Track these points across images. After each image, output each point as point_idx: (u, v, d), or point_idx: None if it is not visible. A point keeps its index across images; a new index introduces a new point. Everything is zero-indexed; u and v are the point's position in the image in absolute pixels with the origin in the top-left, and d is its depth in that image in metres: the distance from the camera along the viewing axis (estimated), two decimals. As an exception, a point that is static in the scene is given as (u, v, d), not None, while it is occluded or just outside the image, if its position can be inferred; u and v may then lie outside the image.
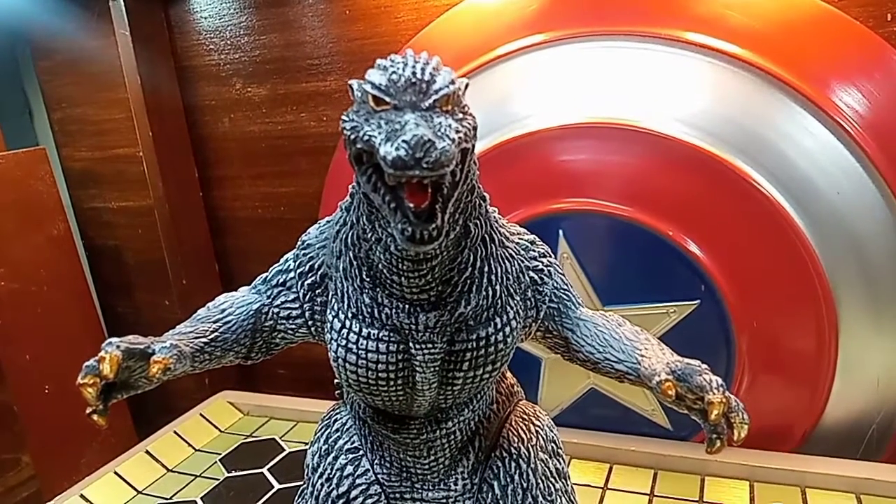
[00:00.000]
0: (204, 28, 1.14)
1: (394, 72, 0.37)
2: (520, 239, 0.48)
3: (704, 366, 0.41)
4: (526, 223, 0.73)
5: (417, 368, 0.44)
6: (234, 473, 0.91)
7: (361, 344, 0.44)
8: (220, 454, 0.97)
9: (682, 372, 0.40)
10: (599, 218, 0.81)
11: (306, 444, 1.00)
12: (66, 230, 1.19)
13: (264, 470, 0.91)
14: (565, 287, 0.49)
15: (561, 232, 0.82)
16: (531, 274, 0.47)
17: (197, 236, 1.23)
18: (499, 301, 0.45)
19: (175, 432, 1.01)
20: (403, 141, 0.33)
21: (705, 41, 0.78)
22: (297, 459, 0.93)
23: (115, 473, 0.91)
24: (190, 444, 1.00)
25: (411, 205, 0.35)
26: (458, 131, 0.35)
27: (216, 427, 1.05)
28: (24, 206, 1.12)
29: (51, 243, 1.16)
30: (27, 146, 1.20)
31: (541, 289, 0.48)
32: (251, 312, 0.49)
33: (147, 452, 0.96)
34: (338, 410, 0.54)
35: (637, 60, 0.81)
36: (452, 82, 0.37)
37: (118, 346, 0.39)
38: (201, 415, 1.06)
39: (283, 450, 0.97)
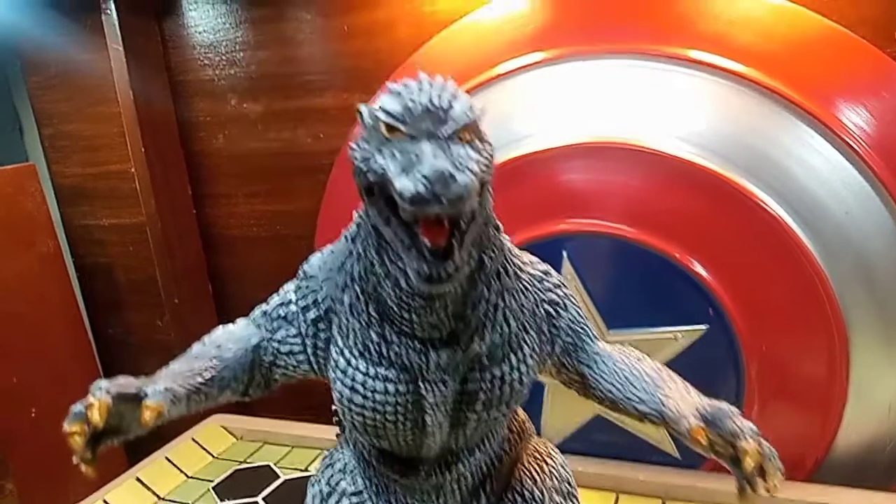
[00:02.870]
0: (199, 43, 1.12)
1: (409, 98, 0.34)
2: (533, 269, 0.46)
3: (734, 408, 0.38)
4: (529, 245, 0.71)
5: (428, 410, 0.41)
6: (227, 502, 0.88)
7: (368, 384, 0.41)
8: (212, 481, 0.94)
9: (711, 416, 0.38)
10: (604, 239, 0.79)
11: (302, 470, 0.98)
12: (56, 248, 1.17)
13: (259, 499, 0.89)
14: (581, 320, 0.47)
15: (565, 253, 0.80)
16: (546, 307, 0.45)
17: (190, 255, 1.20)
18: (514, 337, 0.42)
19: (167, 458, 0.98)
20: (422, 174, 0.31)
21: (710, 59, 0.77)
22: (293, 488, 0.91)
23: (105, 502, 0.88)
24: (182, 471, 0.97)
25: (427, 242, 0.33)
26: (478, 162, 0.33)
27: (209, 452, 1.02)
28: (12, 223, 1.09)
29: (40, 262, 1.13)
30: (17, 162, 1.18)
31: (556, 322, 0.45)
32: (249, 348, 0.46)
33: (137, 479, 0.93)
34: (340, 449, 0.52)
35: (641, 79, 0.79)
36: (472, 109, 0.35)
37: (108, 391, 0.37)
38: (193, 439, 1.03)
39: (278, 477, 0.94)
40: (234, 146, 1.14)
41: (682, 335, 0.78)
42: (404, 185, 0.31)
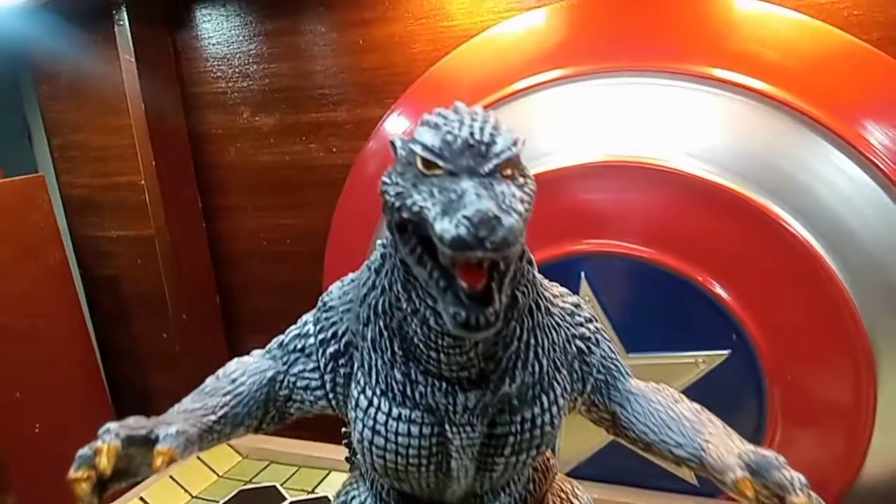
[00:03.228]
0: (212, 55, 1.11)
1: (448, 131, 0.32)
2: (563, 303, 0.44)
3: (780, 457, 0.36)
4: (545, 266, 0.69)
5: (453, 454, 0.39)
6: (232, 524, 0.86)
7: (391, 425, 0.39)
8: (217, 502, 0.91)
9: (757, 466, 0.36)
10: (624, 261, 0.77)
11: (309, 492, 0.96)
12: (63, 260, 1.15)
13: (264, 521, 0.86)
14: (613, 356, 0.45)
15: (583, 274, 0.78)
16: (578, 343, 0.43)
17: (198, 268, 1.18)
18: (545, 377, 0.40)
19: (171, 477, 0.96)
20: (464, 216, 0.28)
21: (733, 78, 0.75)
22: (299, 510, 0.88)
23: (107, 523, 0.85)
24: (186, 491, 0.95)
25: (465, 285, 0.31)
26: (523, 201, 0.31)
27: (214, 471, 1.00)
28: (19, 235, 1.08)
29: (46, 274, 1.11)
30: (26, 171, 1.17)
31: (588, 359, 0.43)
32: (265, 381, 0.44)
33: (141, 500, 0.91)
34: (355, 486, 0.49)
35: (662, 97, 0.78)
36: (515, 144, 0.33)
37: (118, 434, 0.35)
38: (198, 457, 1.01)
39: (285, 499, 0.92)
40: (246, 159, 1.13)
41: (703, 360, 0.76)
42: (445, 227, 0.29)
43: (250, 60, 1.08)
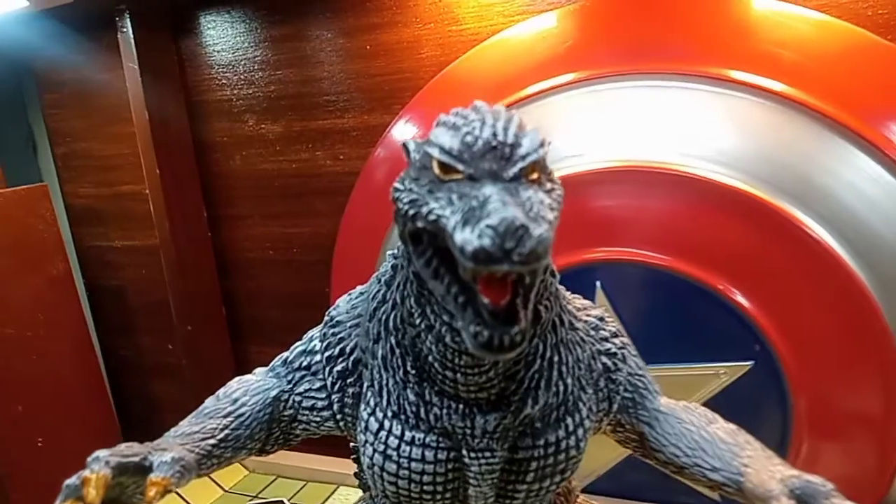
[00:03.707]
0: (217, 62, 1.09)
1: (468, 132, 0.30)
2: (587, 317, 0.41)
3: (829, 484, 0.34)
4: (561, 273, 0.67)
5: (471, 481, 0.37)
6: (238, 542, 0.84)
7: (403, 450, 0.36)
8: (223, 518, 0.89)
9: (803, 493, 0.33)
10: (640, 269, 0.74)
11: (316, 507, 0.94)
12: (67, 270, 1.14)
13: (271, 538, 0.84)
14: (641, 373, 0.42)
15: (598, 283, 0.76)
16: (603, 359, 0.40)
17: (203, 278, 1.16)
18: (570, 397, 0.37)
19: (177, 493, 0.94)
20: (488, 226, 0.25)
21: (753, 80, 0.73)
22: (307, 527, 0.86)
23: (110, 540, 0.83)
24: (191, 506, 0.93)
25: (487, 301, 0.28)
26: (552, 208, 0.29)
27: (220, 486, 0.97)
28: (22, 245, 1.06)
29: (49, 285, 1.10)
30: (30, 181, 1.15)
31: (614, 376, 0.41)
32: (268, 401, 0.41)
33: (145, 516, 0.89)
34: (366, 504, 0.47)
35: (678, 100, 0.76)
36: (542, 145, 0.31)
37: (107, 463, 0.32)
38: (204, 471, 0.99)
39: (292, 514, 0.89)
40: (251, 167, 1.11)
41: (724, 372, 0.74)
42: (466, 238, 0.26)
43: (255, 67, 1.07)
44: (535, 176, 0.30)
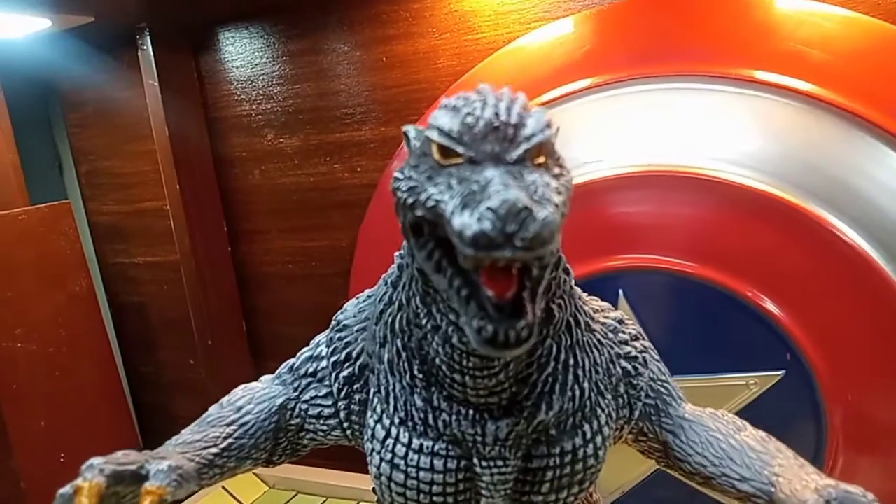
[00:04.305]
0: (235, 78, 1.10)
1: (469, 113, 0.28)
2: (605, 318, 0.39)
3: (870, 494, 0.31)
4: (582, 282, 0.65)
5: (483, 491, 0.35)
6: (257, 560, 0.83)
7: (411, 459, 0.34)
8: (243, 535, 0.88)
9: (840, 503, 0.30)
10: (664, 276, 0.72)
11: (336, 525, 0.93)
12: (89, 287, 1.14)
13: (291, 556, 0.83)
14: (663, 378, 0.40)
15: (621, 291, 0.74)
16: (623, 363, 0.38)
17: (224, 293, 1.16)
18: (587, 403, 0.35)
19: (195, 508, 0.93)
20: (489, 209, 0.24)
21: (779, 80, 0.71)
22: (327, 544, 0.85)
23: (129, 558, 0.82)
24: (211, 523, 0.92)
25: (491, 294, 0.26)
26: (559, 192, 0.27)
27: (240, 502, 0.96)
28: (45, 262, 1.07)
29: (72, 301, 1.10)
30: (57, 199, 1.16)
31: (635, 381, 0.39)
32: (274, 409, 0.40)
33: (164, 532, 0.88)
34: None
35: (701, 103, 0.74)
36: (548, 126, 0.29)
37: (101, 471, 0.31)
38: (224, 487, 0.98)
39: (312, 531, 0.88)
40: (270, 182, 1.11)
41: (754, 382, 0.71)
42: (465, 222, 0.24)
43: (273, 82, 1.07)
44: (541, 160, 0.28)
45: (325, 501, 0.95)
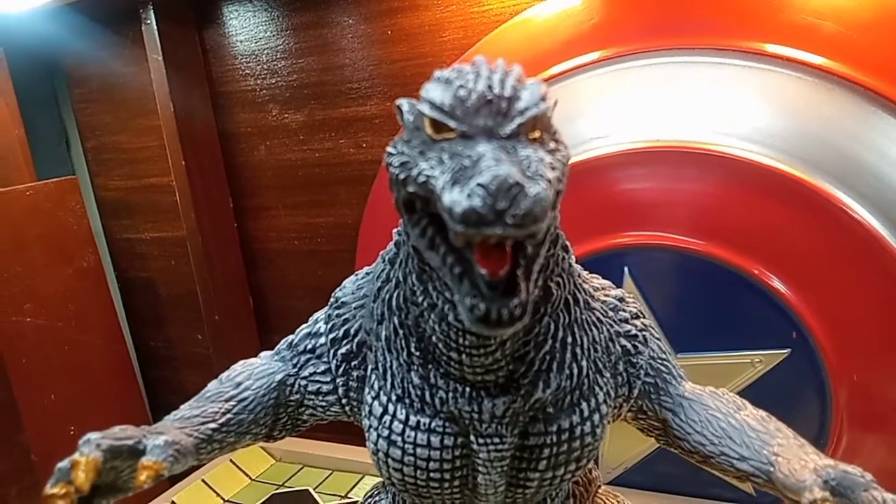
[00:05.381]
0: (239, 52, 1.09)
1: (461, 86, 0.27)
2: (605, 296, 0.38)
3: (868, 475, 0.31)
4: (586, 260, 0.64)
5: (480, 468, 0.35)
6: (264, 531, 0.84)
7: (408, 435, 0.35)
8: (249, 507, 0.89)
9: (839, 484, 0.30)
10: (670, 253, 0.71)
11: (342, 496, 0.93)
12: (97, 262, 1.15)
13: (296, 528, 0.84)
14: (663, 356, 0.40)
15: (626, 269, 0.73)
16: (622, 341, 0.38)
17: (230, 269, 1.17)
18: (585, 380, 0.35)
19: (203, 480, 0.94)
20: (479, 185, 0.23)
21: (790, 53, 0.69)
22: (332, 516, 0.86)
23: (138, 528, 0.84)
24: (219, 495, 0.93)
25: (484, 272, 0.26)
26: (553, 168, 0.26)
27: (246, 475, 0.97)
28: (53, 237, 1.08)
29: (80, 276, 1.11)
30: (64, 175, 1.17)
31: (634, 360, 0.38)
32: (273, 385, 0.40)
33: (172, 503, 0.89)
34: (378, 496, 0.46)
35: (710, 76, 0.72)
36: (543, 99, 0.28)
37: (98, 446, 0.31)
38: (231, 460, 0.99)
39: (318, 503, 0.89)
40: (276, 157, 1.11)
41: (759, 360, 0.70)
42: (455, 199, 0.24)
43: (278, 56, 1.06)
44: (536, 134, 0.28)
45: (331, 474, 0.96)
